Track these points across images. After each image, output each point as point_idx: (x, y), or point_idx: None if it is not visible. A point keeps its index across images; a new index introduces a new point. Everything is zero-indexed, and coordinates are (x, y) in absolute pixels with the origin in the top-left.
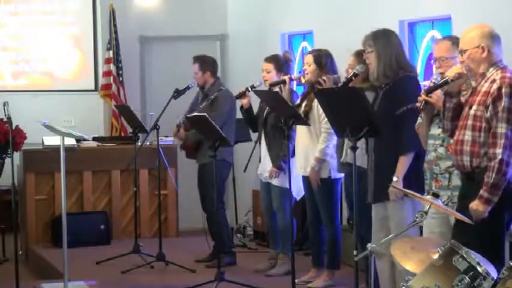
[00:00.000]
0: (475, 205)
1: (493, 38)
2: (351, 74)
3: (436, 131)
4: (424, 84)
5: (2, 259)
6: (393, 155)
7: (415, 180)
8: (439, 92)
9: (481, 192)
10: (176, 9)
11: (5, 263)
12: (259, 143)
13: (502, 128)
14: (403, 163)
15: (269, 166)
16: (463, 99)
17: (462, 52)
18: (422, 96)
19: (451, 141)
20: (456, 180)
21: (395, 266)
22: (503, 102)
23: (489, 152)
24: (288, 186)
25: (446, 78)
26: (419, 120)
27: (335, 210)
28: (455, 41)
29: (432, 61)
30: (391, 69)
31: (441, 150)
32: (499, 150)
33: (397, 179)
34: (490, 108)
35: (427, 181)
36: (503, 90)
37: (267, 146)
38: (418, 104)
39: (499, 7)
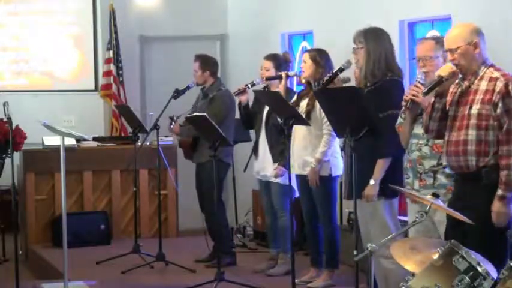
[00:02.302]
0: (498, 207)
1: (481, 35)
2: (337, 68)
3: (420, 130)
4: (418, 86)
5: (2, 259)
6: (370, 155)
7: (391, 181)
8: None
9: (501, 192)
10: (176, 9)
11: (5, 263)
12: (257, 142)
13: None
14: (381, 166)
15: (269, 165)
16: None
17: (452, 50)
18: (409, 96)
19: (436, 141)
20: (442, 179)
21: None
22: None
23: (502, 149)
24: (287, 183)
25: (442, 77)
26: (399, 119)
27: (333, 208)
28: (439, 40)
29: (415, 60)
30: (379, 69)
31: (425, 149)
32: None
33: (373, 182)
34: (500, 105)
35: (409, 180)
36: (511, 87)
37: (269, 146)
38: (404, 103)
39: (499, 7)
